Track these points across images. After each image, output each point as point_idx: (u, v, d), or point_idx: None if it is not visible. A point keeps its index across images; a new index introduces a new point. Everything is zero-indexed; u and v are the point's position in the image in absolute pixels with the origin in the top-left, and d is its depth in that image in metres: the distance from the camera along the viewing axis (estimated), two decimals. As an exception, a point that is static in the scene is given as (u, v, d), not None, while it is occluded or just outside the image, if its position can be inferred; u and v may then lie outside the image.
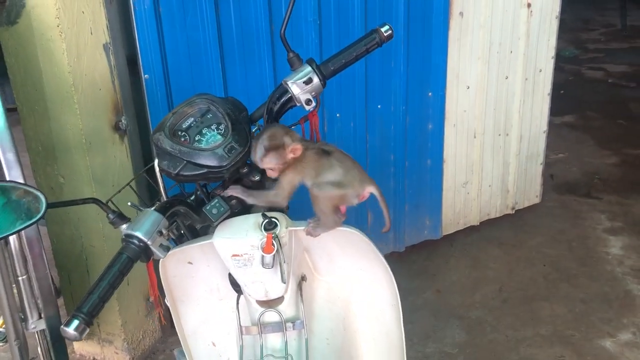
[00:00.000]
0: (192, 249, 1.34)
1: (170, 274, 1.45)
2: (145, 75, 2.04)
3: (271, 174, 1.23)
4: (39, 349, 1.81)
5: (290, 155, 1.21)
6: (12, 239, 1.60)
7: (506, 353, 2.35)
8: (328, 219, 1.26)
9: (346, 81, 2.44)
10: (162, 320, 1.44)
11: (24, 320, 1.69)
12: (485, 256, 2.98)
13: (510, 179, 3.12)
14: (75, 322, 1.00)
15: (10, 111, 1.68)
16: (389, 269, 1.42)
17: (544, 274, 2.82)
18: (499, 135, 2.97)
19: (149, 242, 1.10)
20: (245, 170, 1.33)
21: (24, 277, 1.64)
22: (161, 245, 1.12)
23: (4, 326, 2.42)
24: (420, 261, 2.95)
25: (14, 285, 1.69)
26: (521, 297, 2.68)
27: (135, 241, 1.09)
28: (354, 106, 2.51)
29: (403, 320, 1.48)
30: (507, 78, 2.87)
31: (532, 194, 3.25)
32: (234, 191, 1.28)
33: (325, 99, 2.43)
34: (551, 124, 3.23)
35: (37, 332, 1.72)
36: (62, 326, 1.00)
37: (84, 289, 2.14)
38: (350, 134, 2.55)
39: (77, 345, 2.36)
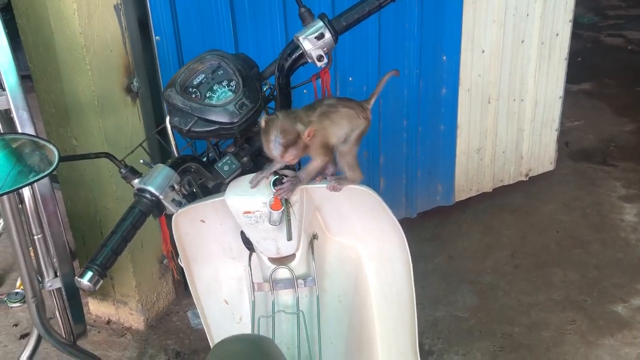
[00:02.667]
0: (205, 207, 1.35)
1: (183, 232, 1.46)
2: (156, 37, 2.03)
3: (294, 161, 1.20)
4: (55, 307, 1.84)
5: (307, 139, 1.17)
6: (27, 198, 1.62)
7: (517, 317, 2.36)
8: (355, 171, 1.28)
9: (359, 44, 2.41)
10: (175, 276, 1.45)
11: (40, 278, 1.71)
12: (497, 223, 2.97)
13: (525, 145, 3.08)
14: (89, 274, 1.01)
15: (23, 79, 1.66)
16: (400, 228, 1.42)
17: (557, 240, 2.81)
18: (514, 100, 2.93)
19: (160, 197, 1.10)
20: (256, 128, 1.32)
21: (39, 236, 1.67)
22: (173, 200, 1.13)
23: (21, 287, 2.47)
24: (432, 227, 2.95)
25: (29, 245, 1.71)
26: (534, 262, 2.67)
27: (148, 195, 1.10)
28: (367, 70, 2.48)
29: (414, 284, 1.49)
30: (522, 42, 2.81)
31: (547, 161, 3.22)
32: (288, 172, 1.25)
33: (338, 62, 2.40)
34: (567, 92, 3.17)
35: (53, 290, 1.74)
36: (76, 277, 1.01)
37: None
38: (363, 98, 2.52)
39: (92, 307, 2.41)
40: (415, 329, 1.53)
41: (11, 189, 1.00)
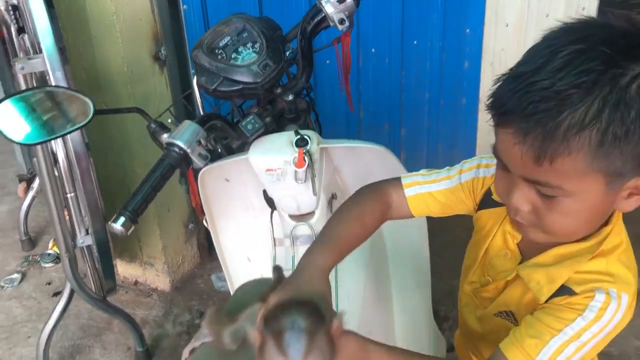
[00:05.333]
0: (229, 165, 1.41)
1: (208, 190, 1.53)
2: (184, 6, 2.09)
3: None
4: (86, 264, 1.94)
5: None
6: (61, 159, 1.70)
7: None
8: None
9: (382, 16, 2.43)
10: (200, 220, 1.52)
11: (73, 236, 1.80)
12: (517, 197, 2.99)
13: (547, 120, 3.08)
14: (122, 219, 1.08)
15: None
16: (417, 190, 1.47)
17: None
18: (537, 75, 2.93)
19: (188, 150, 1.16)
20: (279, 90, 1.38)
21: (72, 194, 1.75)
22: (200, 154, 1.19)
23: (54, 248, 2.58)
24: (452, 200, 2.98)
25: (63, 204, 1.80)
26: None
27: (176, 149, 1.16)
28: (390, 42, 2.51)
29: (432, 252, 1.53)
30: (547, 16, 2.80)
31: (569, 137, 3.21)
32: None
33: (361, 34, 2.43)
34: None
35: (84, 247, 1.83)
36: (109, 222, 1.08)
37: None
38: (385, 70, 2.56)
39: (120, 268, 2.50)
40: (429, 289, 1.59)
41: (50, 137, 1.08)
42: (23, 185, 3.01)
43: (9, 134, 1.01)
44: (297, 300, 0.72)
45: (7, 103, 1.01)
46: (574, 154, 0.69)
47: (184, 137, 1.17)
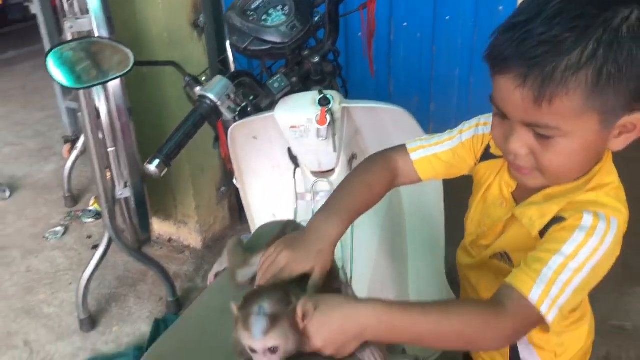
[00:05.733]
0: (257, 122, 1.50)
1: (238, 148, 1.63)
2: (223, -24, 2.18)
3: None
4: (123, 216, 2.07)
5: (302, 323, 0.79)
6: (104, 114, 1.82)
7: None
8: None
9: (415, -10, 2.48)
10: (229, 167, 1.61)
11: (113, 188, 1.93)
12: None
13: (579, 101, 3.08)
14: (157, 161, 1.19)
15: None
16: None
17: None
18: (570, 55, 2.93)
19: (218, 103, 1.26)
20: (306, 52, 1.46)
21: (112, 149, 1.87)
22: (229, 107, 1.28)
23: (94, 205, 2.74)
24: (479, 176, 3.02)
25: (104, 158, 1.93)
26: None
27: (207, 101, 1.26)
28: (422, 16, 2.56)
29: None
30: (583, -5, 2.79)
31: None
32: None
33: (393, 7, 2.49)
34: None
35: (122, 200, 1.96)
36: (145, 164, 1.19)
37: (168, 171, 2.39)
38: (417, 44, 2.61)
39: (156, 226, 2.65)
40: (443, 250, 1.66)
41: (94, 83, 1.19)
42: (68, 146, 3.18)
43: (59, 78, 1.12)
44: (270, 286, 0.84)
45: (58, 52, 1.12)
46: (572, 94, 0.75)
47: (214, 90, 1.26)
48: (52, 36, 3.11)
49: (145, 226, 2.00)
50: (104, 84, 1.45)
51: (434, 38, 2.63)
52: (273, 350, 0.76)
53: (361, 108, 1.43)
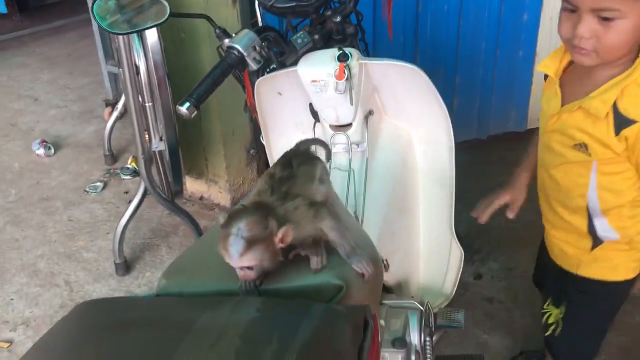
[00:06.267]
0: (281, 77, 1.62)
1: (263, 103, 1.75)
2: (258, -55, 2.29)
3: (251, 275, 0.87)
4: (158, 169, 2.23)
5: (280, 244, 0.87)
6: (142, 71, 1.97)
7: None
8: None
9: (443, -36, 2.54)
10: (254, 117, 1.73)
11: (149, 140, 2.08)
12: (567, 152, 3.05)
13: (606, 79, 3.10)
14: (187, 104, 1.32)
15: None
16: (447, 113, 1.64)
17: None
18: (599, 32, 2.95)
19: (245, 54, 1.38)
20: (329, 12, 1.57)
21: (149, 104, 2.02)
22: (254, 58, 1.40)
23: (131, 163, 2.91)
24: (501, 150, 3.07)
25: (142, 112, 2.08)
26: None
27: (235, 52, 1.38)
28: (449, -10, 2.62)
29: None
30: (614, -28, 2.81)
31: (628, 98, 3.21)
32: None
33: (421, -20, 2.56)
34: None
35: (157, 151, 2.12)
36: (177, 105, 1.32)
37: (194, 134, 2.54)
38: (444, 16, 2.67)
39: (188, 184, 2.80)
40: (452, 205, 1.76)
41: (132, 30, 1.32)
42: (108, 109, 3.37)
43: (102, 24, 1.26)
44: (250, 207, 0.90)
45: (102, 0, 1.26)
46: None
47: (242, 42, 1.39)
48: None
49: (178, 178, 2.15)
50: (142, 30, 1.59)
51: (462, 10, 2.69)
52: (249, 268, 0.85)
53: (378, 65, 1.54)
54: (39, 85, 3.97)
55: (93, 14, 1.24)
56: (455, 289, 1.82)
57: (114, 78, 3.48)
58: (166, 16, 1.29)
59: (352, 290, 0.91)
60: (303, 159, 1.05)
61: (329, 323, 0.74)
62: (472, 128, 3.01)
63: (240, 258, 0.84)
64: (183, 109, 1.31)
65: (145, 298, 0.89)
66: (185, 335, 0.69)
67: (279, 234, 0.86)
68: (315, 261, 0.93)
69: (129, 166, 2.96)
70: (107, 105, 3.42)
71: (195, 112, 1.33)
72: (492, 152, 3.06)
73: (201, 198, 2.78)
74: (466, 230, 1.82)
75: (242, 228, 0.84)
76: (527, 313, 2.11)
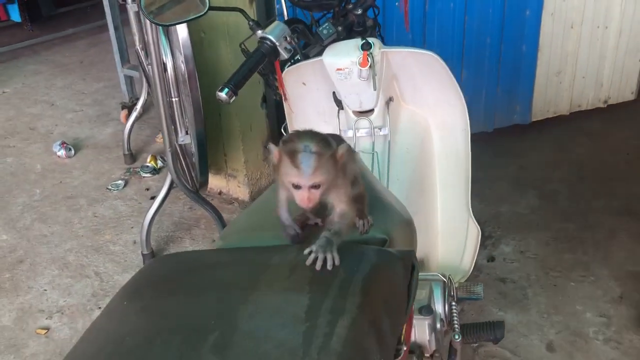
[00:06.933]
0: (306, 67, 1.73)
1: (289, 92, 1.86)
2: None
3: (314, 200, 0.87)
4: (181, 163, 2.33)
5: (341, 160, 0.90)
6: (170, 68, 2.07)
7: (575, 217, 2.60)
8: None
9: (449, -38, 2.66)
10: (284, 96, 1.80)
11: (175, 134, 2.19)
12: (571, 143, 3.16)
13: (606, 72, 3.21)
14: (226, 90, 1.43)
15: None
16: (462, 97, 1.76)
17: (627, 161, 2.97)
18: (598, 27, 3.06)
19: (277, 43, 1.49)
20: (350, 6, 1.68)
21: (176, 98, 2.12)
22: (285, 47, 1.51)
23: (151, 162, 3.02)
24: (507, 143, 3.19)
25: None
26: (600, 177, 2.87)
27: (268, 42, 1.49)
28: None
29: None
30: (611, -32, 2.94)
31: (627, 91, 3.33)
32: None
33: (428, -21, 2.68)
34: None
35: (183, 145, 2.22)
36: (217, 91, 1.43)
37: (214, 130, 2.64)
38: (450, 14, 2.79)
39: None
40: (469, 185, 1.86)
41: (173, 22, 1.43)
42: (125, 112, 3.48)
43: (147, 16, 1.37)
44: (310, 131, 0.91)
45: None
46: None
47: (274, 32, 1.49)
48: (113, 10, 3.39)
49: (204, 170, 2.25)
50: (184, 23, 1.70)
51: (467, 8, 2.81)
52: (316, 186, 0.84)
53: (398, 52, 1.65)
54: (54, 91, 4.08)
55: (140, 7, 1.35)
56: (473, 265, 1.93)
57: (130, 81, 3.59)
58: (206, 8, 1.39)
59: (394, 245, 1.01)
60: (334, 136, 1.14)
61: (384, 261, 0.84)
62: (478, 121, 3.10)
63: (313, 173, 0.83)
64: (223, 94, 1.41)
65: (213, 250, 0.98)
66: (265, 270, 0.79)
67: (340, 151, 0.87)
68: (361, 224, 1.02)
69: (148, 164, 3.06)
70: (123, 107, 3.53)
71: (234, 98, 1.43)
72: (500, 145, 3.17)
73: (220, 193, 2.88)
74: (477, 217, 1.92)
75: (310, 145, 0.83)
76: (539, 291, 2.21)
